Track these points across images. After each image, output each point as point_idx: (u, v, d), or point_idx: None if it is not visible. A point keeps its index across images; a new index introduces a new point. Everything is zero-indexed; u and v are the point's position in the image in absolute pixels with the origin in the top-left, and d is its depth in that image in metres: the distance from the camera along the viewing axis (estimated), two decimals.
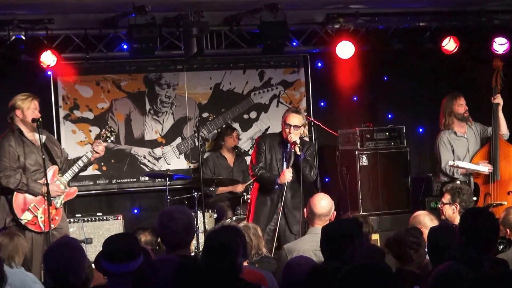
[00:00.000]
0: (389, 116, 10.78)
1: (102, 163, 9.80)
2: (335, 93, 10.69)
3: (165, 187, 9.04)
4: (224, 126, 10.18)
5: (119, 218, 9.28)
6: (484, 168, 8.44)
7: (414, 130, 10.78)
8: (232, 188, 9.68)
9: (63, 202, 7.46)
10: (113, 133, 7.71)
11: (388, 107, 10.83)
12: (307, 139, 9.63)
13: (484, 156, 8.59)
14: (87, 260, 4.60)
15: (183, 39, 9.05)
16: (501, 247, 6.10)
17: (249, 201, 8.97)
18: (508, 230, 6.36)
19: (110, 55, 9.49)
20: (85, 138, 9.85)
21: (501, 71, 8.74)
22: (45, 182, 7.12)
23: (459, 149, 8.68)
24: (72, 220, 8.96)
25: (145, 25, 8.60)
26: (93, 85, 9.92)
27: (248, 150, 10.08)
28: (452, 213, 6.79)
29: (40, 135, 7.26)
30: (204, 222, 8.83)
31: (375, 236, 8.98)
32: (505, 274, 3.80)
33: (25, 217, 7.24)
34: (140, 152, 10.03)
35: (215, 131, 10.28)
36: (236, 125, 10.28)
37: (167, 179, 9.02)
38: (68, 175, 7.42)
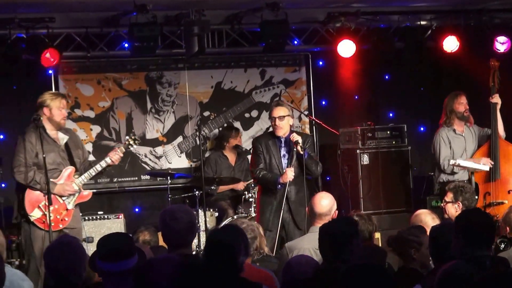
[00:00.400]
0: (391, 114, 10.78)
1: None
2: (336, 92, 10.69)
3: (166, 186, 9.03)
4: (228, 126, 10.16)
5: (120, 217, 9.27)
6: (486, 166, 8.43)
7: (415, 129, 10.78)
8: (233, 187, 9.68)
9: (75, 203, 7.41)
10: (136, 141, 7.66)
11: (389, 105, 10.83)
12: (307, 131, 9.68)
13: (484, 155, 8.59)
14: (87, 258, 4.59)
15: (184, 38, 9.05)
16: (503, 246, 6.10)
17: (252, 200, 9.01)
18: (508, 228, 6.36)
19: (111, 54, 9.48)
20: (86, 137, 9.85)
21: (497, 70, 8.75)
22: (50, 181, 7.11)
23: (456, 147, 8.70)
24: None
25: (146, 23, 8.60)
26: (94, 84, 9.92)
27: (250, 149, 10.07)
28: (455, 211, 6.79)
29: (41, 133, 7.23)
30: (205, 220, 8.82)
31: (376, 235, 8.98)
32: (506, 273, 3.80)
33: (35, 214, 7.24)
34: (141, 151, 10.03)
35: (216, 130, 10.28)
36: (237, 124, 10.28)
37: (168, 178, 9.02)
38: (84, 177, 7.38)
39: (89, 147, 9.76)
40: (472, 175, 8.41)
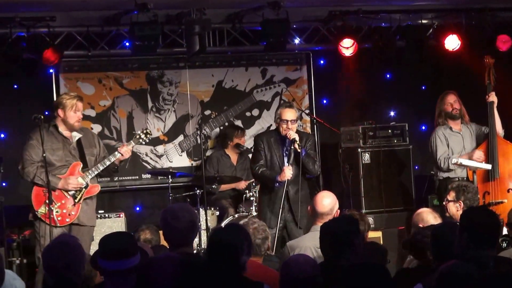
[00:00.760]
0: (392, 113, 10.77)
1: None
2: (337, 91, 10.69)
3: (167, 185, 9.03)
4: (233, 125, 10.15)
5: (121, 215, 9.27)
6: (488, 165, 8.42)
7: (416, 128, 10.77)
8: (234, 186, 9.68)
9: (83, 198, 7.41)
10: (148, 135, 7.63)
11: (390, 104, 10.82)
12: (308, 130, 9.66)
13: (481, 150, 8.58)
14: (86, 258, 4.59)
15: (185, 37, 9.04)
16: (505, 244, 6.09)
17: (253, 199, 9.00)
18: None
19: (112, 53, 9.48)
20: None
21: (492, 68, 8.74)
22: (46, 180, 7.11)
23: (455, 144, 8.70)
24: None
25: (147, 22, 8.60)
26: (95, 83, 9.92)
27: (251, 148, 10.06)
28: (456, 210, 6.79)
29: (42, 132, 7.23)
30: (206, 219, 8.82)
31: (378, 234, 8.98)
32: (508, 273, 3.79)
33: (41, 210, 7.25)
34: (142, 149, 10.03)
35: (217, 128, 10.28)
36: (238, 123, 10.28)
37: (169, 176, 9.01)
38: (91, 172, 7.40)
39: None
40: (474, 174, 8.39)
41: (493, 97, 8.63)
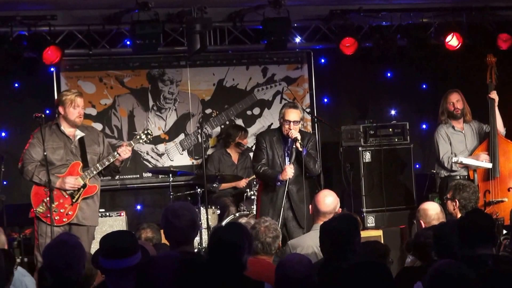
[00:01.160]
0: (393, 112, 10.77)
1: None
2: (338, 89, 10.69)
3: (168, 184, 9.03)
4: (236, 125, 10.14)
5: (122, 214, 9.27)
6: (488, 164, 8.43)
7: (417, 126, 10.78)
8: (235, 184, 9.68)
9: (81, 198, 7.40)
10: (148, 136, 7.58)
11: (391, 103, 10.82)
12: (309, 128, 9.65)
13: (483, 151, 8.60)
14: (86, 256, 4.59)
15: (186, 35, 9.05)
16: (506, 243, 6.09)
17: (254, 198, 9.00)
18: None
19: (113, 51, 9.49)
20: None
21: (494, 66, 8.76)
22: (47, 179, 7.11)
23: (457, 143, 8.71)
24: None
25: (148, 21, 8.61)
26: (96, 81, 9.92)
27: (252, 147, 10.07)
28: (453, 209, 6.82)
29: (44, 131, 7.23)
30: (207, 218, 8.82)
31: (378, 233, 9.00)
32: (509, 271, 3.79)
33: (39, 209, 7.25)
34: (143, 148, 10.03)
35: (218, 127, 10.28)
36: (239, 121, 10.28)
37: (170, 175, 9.02)
38: (90, 171, 7.37)
39: None
40: (475, 173, 8.40)
41: (494, 95, 8.65)
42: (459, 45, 9.62)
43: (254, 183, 9.12)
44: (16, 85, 9.66)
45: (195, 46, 8.68)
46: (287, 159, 7.81)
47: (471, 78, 9.98)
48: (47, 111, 8.97)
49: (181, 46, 9.35)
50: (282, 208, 7.66)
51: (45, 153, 7.12)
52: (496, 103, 8.65)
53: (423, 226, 6.26)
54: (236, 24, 9.43)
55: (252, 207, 8.98)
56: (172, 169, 9.29)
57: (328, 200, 6.19)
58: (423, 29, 9.70)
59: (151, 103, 10.07)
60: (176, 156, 10.17)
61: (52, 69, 9.58)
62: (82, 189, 7.35)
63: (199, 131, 9.18)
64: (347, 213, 6.03)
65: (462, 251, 4.54)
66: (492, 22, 9.68)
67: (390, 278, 3.85)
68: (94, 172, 7.37)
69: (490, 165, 8.43)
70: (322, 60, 10.61)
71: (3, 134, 9.67)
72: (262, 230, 5.52)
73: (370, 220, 9.32)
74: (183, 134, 10.19)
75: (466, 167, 8.55)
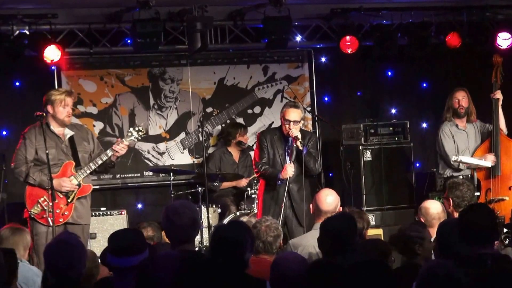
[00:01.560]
0: (393, 111, 10.78)
1: None
2: (339, 88, 10.69)
3: (169, 182, 9.04)
4: (235, 123, 10.15)
5: (123, 213, 9.28)
6: (488, 163, 8.44)
7: (418, 125, 10.78)
8: (236, 183, 9.68)
9: (76, 198, 7.39)
10: (140, 133, 7.50)
11: (392, 102, 10.83)
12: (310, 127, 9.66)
13: (485, 151, 8.61)
14: (87, 255, 4.60)
15: (187, 34, 9.05)
16: (507, 241, 6.10)
17: (254, 197, 9.00)
18: None
19: (114, 50, 9.48)
20: None
21: (500, 66, 8.77)
22: (52, 177, 7.10)
23: (460, 142, 8.73)
24: None
25: (149, 20, 8.60)
26: (97, 80, 9.92)
27: (252, 145, 10.07)
28: (448, 207, 6.83)
29: (44, 129, 7.22)
30: (208, 217, 8.83)
31: (379, 231, 9.00)
32: (508, 270, 3.80)
33: (34, 210, 7.23)
34: (144, 147, 10.04)
35: (219, 126, 10.28)
36: (240, 120, 10.28)
37: (171, 174, 9.02)
38: (84, 171, 7.35)
39: None
40: (474, 172, 8.41)
41: (499, 95, 8.67)
42: (460, 44, 9.61)
43: (255, 182, 9.13)
44: (17, 83, 9.67)
45: (196, 45, 8.68)
46: (287, 158, 7.82)
47: (472, 76, 9.99)
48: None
49: (182, 44, 9.35)
50: (283, 207, 7.67)
51: (47, 151, 7.11)
52: (500, 103, 8.66)
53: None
54: (237, 23, 9.43)
55: (253, 206, 8.98)
56: (173, 167, 9.30)
57: (329, 199, 6.19)
58: (424, 28, 9.70)
59: (152, 101, 10.08)
60: (177, 155, 10.17)
61: (53, 67, 9.57)
62: (77, 188, 7.35)
63: (200, 129, 9.19)
64: (346, 212, 6.02)
65: (462, 250, 4.54)
66: (492, 21, 9.68)
67: (392, 277, 3.85)
68: (88, 172, 7.34)
69: (489, 164, 8.44)
70: (323, 59, 10.62)
71: (4, 132, 9.68)
72: (263, 230, 5.53)
73: (371, 219, 9.32)
74: (184, 132, 10.20)
75: (468, 166, 8.56)
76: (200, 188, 8.89)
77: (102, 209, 9.31)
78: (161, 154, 10.13)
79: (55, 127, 7.32)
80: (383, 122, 9.87)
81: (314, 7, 9.59)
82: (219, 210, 9.29)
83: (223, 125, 10.26)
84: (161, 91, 10.10)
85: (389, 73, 10.87)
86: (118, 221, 9.20)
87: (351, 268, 3.88)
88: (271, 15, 8.93)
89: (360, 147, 9.60)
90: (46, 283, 4.52)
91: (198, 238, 8.54)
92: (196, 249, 7.80)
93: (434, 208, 6.32)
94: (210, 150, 10.10)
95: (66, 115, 7.32)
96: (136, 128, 7.50)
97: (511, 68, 9.23)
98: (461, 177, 8.42)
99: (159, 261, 4.18)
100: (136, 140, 7.60)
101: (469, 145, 8.75)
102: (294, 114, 7.74)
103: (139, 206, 10.11)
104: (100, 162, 7.33)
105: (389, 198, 9.52)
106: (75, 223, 7.32)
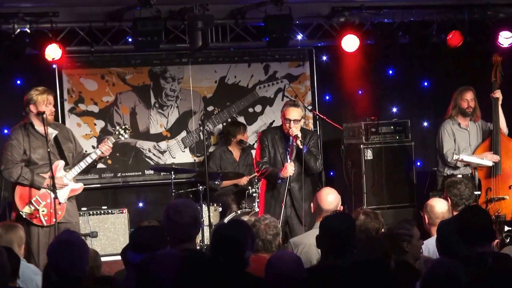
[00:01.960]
0: (394, 109, 10.78)
1: (108, 157, 9.73)
2: (340, 87, 10.68)
3: (170, 181, 9.04)
4: (235, 121, 10.15)
5: (124, 211, 9.29)
6: (489, 162, 8.44)
7: (419, 124, 10.78)
8: (237, 182, 9.68)
9: (67, 197, 7.41)
10: (127, 131, 7.58)
11: (393, 100, 10.82)
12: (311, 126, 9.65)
13: (485, 150, 8.62)
14: (89, 253, 4.61)
15: (188, 33, 9.04)
16: (508, 240, 6.09)
17: (255, 195, 9.00)
18: None
19: (115, 48, 9.47)
20: (90, 131, 9.86)
21: (500, 65, 8.77)
22: (50, 175, 7.11)
23: (461, 140, 8.74)
24: None
25: (150, 18, 8.60)
26: (98, 79, 9.92)
27: (253, 144, 10.07)
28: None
29: (46, 128, 7.23)
30: (209, 215, 8.83)
31: None
32: (509, 269, 3.80)
33: (26, 210, 7.22)
34: (145, 145, 10.04)
35: (220, 125, 10.28)
36: (241, 119, 10.28)
37: (172, 172, 9.02)
38: (75, 170, 7.37)
39: (93, 141, 9.77)
40: (475, 171, 8.40)
41: (498, 94, 8.68)
42: (461, 42, 9.60)
43: (256, 180, 9.13)
44: (18, 82, 9.67)
45: (197, 43, 8.67)
46: (288, 157, 7.82)
47: (473, 75, 9.97)
48: None
49: (183, 43, 9.34)
50: (284, 206, 7.67)
51: (48, 150, 7.11)
52: (500, 102, 8.66)
53: (427, 221, 6.27)
54: (238, 21, 9.42)
55: (254, 204, 8.98)
56: (174, 166, 9.30)
57: (330, 198, 6.19)
58: (425, 27, 9.69)
59: (153, 100, 10.07)
60: (178, 154, 10.17)
61: (54, 66, 9.57)
62: (69, 187, 7.36)
63: (201, 128, 9.19)
64: (344, 211, 6.03)
65: (462, 249, 4.54)
66: (494, 19, 9.66)
67: (392, 276, 3.85)
68: (79, 171, 7.38)
69: (490, 163, 8.44)
70: (324, 58, 10.61)
71: (6, 131, 9.67)
72: (262, 228, 5.53)
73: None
74: (185, 131, 10.20)
75: (469, 165, 8.56)
76: (201, 187, 8.90)
77: (103, 207, 9.33)
78: (162, 152, 10.13)
79: (38, 127, 7.30)
80: (384, 121, 9.87)
81: (315, 5, 9.59)
82: (220, 209, 9.29)
83: (224, 123, 10.26)
84: (162, 90, 10.10)
85: (390, 72, 10.86)
86: (119, 219, 9.21)
87: (351, 268, 3.88)
88: (272, 14, 8.92)
89: (361, 146, 9.60)
90: (48, 281, 4.52)
91: (199, 236, 8.53)
92: (197, 247, 7.81)
93: (439, 207, 6.30)
94: (211, 149, 10.10)
95: (49, 114, 7.31)
96: (123, 127, 7.55)
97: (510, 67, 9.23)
98: (460, 175, 8.42)
99: (160, 260, 4.18)
100: (123, 138, 7.64)
101: (471, 144, 8.76)
102: (294, 113, 7.74)
103: (140, 204, 10.11)
104: (90, 160, 7.40)
105: (390, 197, 9.52)
106: (66, 221, 7.33)
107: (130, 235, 4.53)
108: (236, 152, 9.94)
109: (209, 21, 8.58)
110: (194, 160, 10.22)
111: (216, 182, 9.45)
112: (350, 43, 9.52)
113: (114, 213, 9.24)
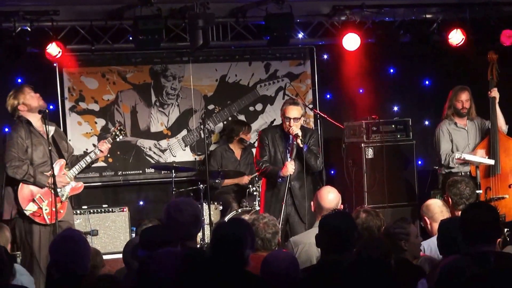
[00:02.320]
0: (395, 108, 10.77)
1: (108, 155, 9.75)
2: (341, 85, 10.67)
3: (170, 179, 9.04)
4: (238, 120, 10.15)
5: (124, 210, 9.29)
6: (491, 161, 8.43)
7: (420, 123, 10.77)
8: (237, 181, 9.68)
9: (68, 196, 7.42)
10: (122, 132, 7.66)
11: (394, 99, 10.81)
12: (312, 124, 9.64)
13: (484, 149, 8.62)
14: (91, 250, 4.61)
15: (189, 31, 9.03)
16: (510, 239, 6.08)
17: (256, 194, 9.00)
18: None
19: (116, 47, 9.47)
20: (91, 129, 9.86)
21: (496, 63, 8.75)
22: (52, 174, 7.11)
23: (459, 140, 8.74)
24: (78, 211, 8.99)
25: (150, 16, 8.59)
26: (98, 77, 9.92)
27: (254, 143, 10.07)
28: (448, 206, 6.83)
29: (47, 127, 7.23)
30: (209, 214, 8.83)
31: None
32: (510, 269, 3.79)
33: (30, 208, 7.22)
34: (145, 144, 10.04)
35: (221, 123, 10.28)
36: (241, 117, 10.27)
37: (173, 171, 9.02)
38: (75, 169, 7.39)
39: (94, 140, 9.77)
40: (477, 169, 8.39)
41: (495, 93, 8.66)
42: (462, 41, 9.59)
43: (256, 179, 9.13)
44: (19, 80, 9.66)
45: (198, 42, 8.66)
46: (288, 155, 7.81)
47: (474, 74, 9.95)
48: (51, 106, 8.96)
49: (184, 41, 9.33)
50: (285, 204, 7.66)
51: (49, 148, 7.12)
52: (497, 101, 8.64)
53: (428, 222, 6.28)
54: (239, 20, 9.41)
55: (254, 203, 8.98)
56: (174, 165, 9.29)
57: (331, 196, 6.19)
58: (426, 25, 9.68)
59: (153, 98, 10.07)
60: (179, 152, 10.17)
61: (54, 64, 9.57)
62: (70, 186, 7.37)
63: (202, 127, 9.19)
64: (344, 210, 6.02)
65: (465, 248, 4.53)
66: (495, 18, 9.65)
67: (392, 275, 3.84)
68: (79, 170, 7.42)
69: (492, 162, 8.44)
70: (325, 56, 10.61)
71: (7, 129, 9.66)
72: (262, 227, 5.53)
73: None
74: (185, 130, 10.19)
75: (468, 163, 8.55)
76: (201, 185, 8.90)
77: (104, 206, 9.34)
78: (163, 151, 10.12)
79: (35, 122, 7.30)
80: (385, 120, 9.86)
81: (316, 4, 9.58)
82: (221, 207, 9.29)
83: (225, 122, 10.25)
84: (162, 88, 10.09)
85: (392, 70, 10.86)
86: (120, 218, 9.21)
87: (351, 266, 3.87)
88: (273, 12, 8.92)
89: (362, 144, 9.59)
90: (51, 279, 4.53)
91: (200, 235, 8.53)
92: (198, 246, 7.80)
93: (434, 203, 6.37)
94: (212, 147, 10.09)
95: (37, 100, 7.30)
96: (119, 128, 7.59)
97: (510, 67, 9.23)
98: (460, 174, 8.43)
99: (160, 258, 4.18)
100: (118, 139, 7.68)
101: (469, 142, 8.75)
102: (293, 111, 7.74)
103: (141, 203, 10.11)
104: (89, 160, 7.44)
105: (390, 196, 9.50)
106: (64, 220, 7.35)
107: (141, 233, 4.55)
108: (237, 151, 9.94)
109: (209, 19, 8.57)
110: (195, 158, 10.21)
111: (217, 181, 9.45)
112: (351, 41, 9.51)
113: (114, 211, 9.24)
